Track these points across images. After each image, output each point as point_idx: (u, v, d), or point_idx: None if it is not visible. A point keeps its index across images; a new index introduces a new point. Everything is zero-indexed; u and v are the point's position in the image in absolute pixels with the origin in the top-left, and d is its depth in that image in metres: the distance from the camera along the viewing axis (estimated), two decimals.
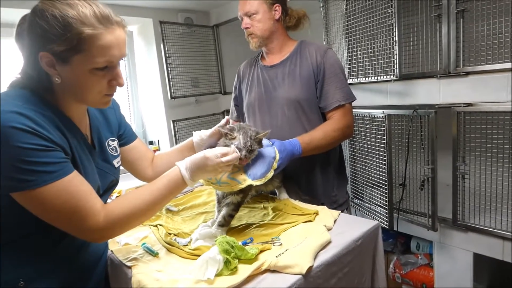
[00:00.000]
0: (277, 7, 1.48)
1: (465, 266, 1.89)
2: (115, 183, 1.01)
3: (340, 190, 1.57)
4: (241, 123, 1.22)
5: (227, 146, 1.05)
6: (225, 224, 1.11)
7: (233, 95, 1.74)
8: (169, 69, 2.98)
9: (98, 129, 0.98)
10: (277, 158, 1.14)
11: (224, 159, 0.96)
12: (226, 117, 1.23)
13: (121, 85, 0.85)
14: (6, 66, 2.35)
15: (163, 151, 1.26)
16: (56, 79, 0.79)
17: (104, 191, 0.96)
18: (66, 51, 0.75)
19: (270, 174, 1.09)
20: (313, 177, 1.49)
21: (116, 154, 1.03)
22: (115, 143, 1.03)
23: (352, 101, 1.48)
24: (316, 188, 1.50)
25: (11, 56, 2.46)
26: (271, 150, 1.16)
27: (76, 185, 0.78)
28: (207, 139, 1.19)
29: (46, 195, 0.74)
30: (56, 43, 0.75)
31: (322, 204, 1.45)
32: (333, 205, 1.50)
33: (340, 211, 1.22)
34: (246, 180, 1.04)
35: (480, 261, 1.88)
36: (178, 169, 0.93)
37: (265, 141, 1.20)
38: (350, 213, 1.69)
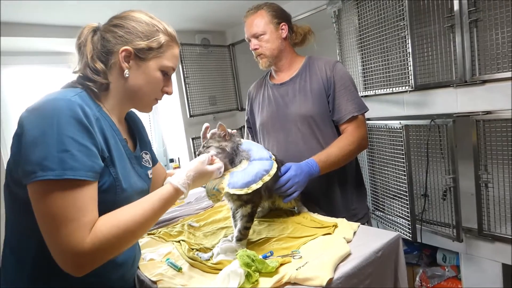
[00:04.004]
0: (283, 26, 1.51)
1: (494, 278, 1.83)
2: (146, 193, 1.02)
3: (360, 203, 1.56)
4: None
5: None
6: (243, 238, 1.13)
7: (245, 117, 1.76)
8: (188, 88, 3.08)
9: (135, 137, 1.05)
10: (272, 172, 1.13)
11: (215, 166, 1.02)
12: (206, 124, 1.18)
13: (170, 93, 1.00)
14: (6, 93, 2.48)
15: (172, 171, 1.29)
16: (126, 73, 0.90)
17: None
18: (148, 49, 0.91)
19: (256, 186, 1.08)
20: (331, 192, 1.49)
21: (149, 166, 1.06)
22: (148, 156, 1.07)
23: (365, 112, 1.48)
24: (335, 203, 1.49)
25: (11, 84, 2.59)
26: (267, 163, 1.15)
27: (86, 194, 0.75)
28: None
29: (54, 189, 0.72)
30: (142, 41, 0.90)
31: (344, 217, 1.45)
32: (353, 219, 1.48)
33: (359, 224, 1.22)
34: (224, 189, 1.05)
35: (510, 272, 1.82)
36: (170, 185, 0.90)
37: (265, 154, 1.19)
38: (371, 226, 1.68)
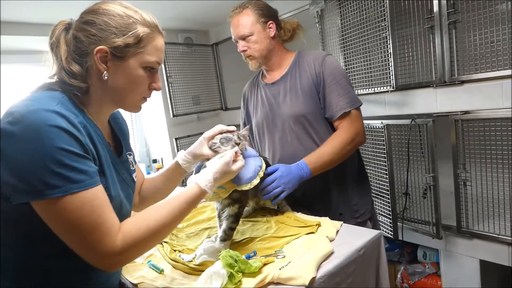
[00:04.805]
0: (271, 25, 1.45)
1: (472, 274, 1.88)
2: (131, 198, 0.99)
3: (361, 197, 1.49)
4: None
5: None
6: (227, 238, 1.12)
7: (241, 119, 1.70)
8: (171, 88, 3.04)
9: (119, 139, 0.99)
10: (263, 167, 1.16)
11: (238, 165, 1.02)
12: (233, 127, 1.14)
13: (158, 88, 0.91)
14: (5, 91, 2.40)
15: (150, 176, 1.22)
16: (105, 75, 0.82)
17: None
18: (125, 46, 0.81)
19: (256, 181, 1.11)
20: (327, 190, 1.45)
21: (133, 168, 1.02)
22: (131, 158, 1.03)
23: (359, 106, 1.42)
24: (332, 200, 1.45)
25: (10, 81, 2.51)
26: (258, 159, 1.17)
27: (100, 199, 0.74)
28: (194, 158, 1.14)
29: (68, 205, 0.69)
30: (118, 37, 0.80)
31: (340, 214, 1.42)
32: (354, 215, 1.45)
33: (342, 222, 1.22)
34: (233, 187, 1.06)
35: (487, 267, 1.87)
36: (197, 186, 0.90)
37: (252, 152, 1.21)
38: (376, 223, 1.61)
